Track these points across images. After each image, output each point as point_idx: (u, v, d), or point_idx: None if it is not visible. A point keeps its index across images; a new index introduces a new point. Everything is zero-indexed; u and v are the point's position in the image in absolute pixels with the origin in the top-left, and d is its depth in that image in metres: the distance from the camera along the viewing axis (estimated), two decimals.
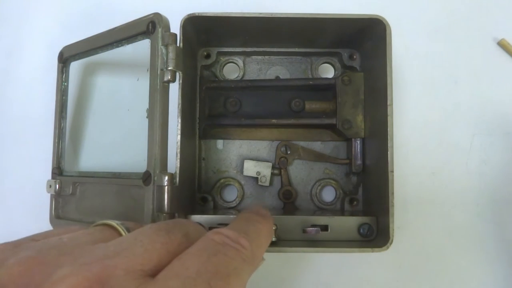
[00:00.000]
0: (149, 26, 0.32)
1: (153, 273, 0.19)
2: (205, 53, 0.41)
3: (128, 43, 0.35)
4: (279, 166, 0.41)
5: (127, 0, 0.47)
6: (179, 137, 0.32)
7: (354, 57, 0.41)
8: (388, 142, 0.33)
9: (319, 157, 0.41)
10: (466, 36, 0.45)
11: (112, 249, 0.19)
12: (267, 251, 0.30)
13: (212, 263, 0.19)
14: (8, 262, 0.18)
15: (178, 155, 0.32)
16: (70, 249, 0.19)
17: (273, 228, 0.32)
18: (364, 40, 0.38)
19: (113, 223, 0.23)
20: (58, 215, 0.39)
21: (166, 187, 0.30)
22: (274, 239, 0.32)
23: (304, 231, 0.34)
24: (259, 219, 0.26)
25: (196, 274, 0.18)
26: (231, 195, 0.42)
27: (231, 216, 0.35)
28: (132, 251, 0.19)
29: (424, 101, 0.44)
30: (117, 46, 0.36)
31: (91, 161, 0.39)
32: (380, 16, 0.34)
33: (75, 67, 0.41)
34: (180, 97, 0.32)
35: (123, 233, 0.23)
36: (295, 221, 0.34)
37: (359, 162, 0.39)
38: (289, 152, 0.41)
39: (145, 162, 0.31)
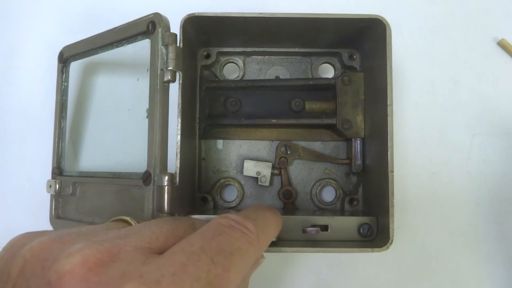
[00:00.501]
0: (149, 26, 0.32)
1: (160, 252, 0.20)
2: (205, 53, 0.41)
3: (128, 43, 0.35)
4: (279, 166, 0.41)
5: (127, 0, 0.47)
6: (179, 137, 0.32)
7: (354, 57, 0.41)
8: (388, 142, 0.33)
9: (319, 157, 0.41)
10: (466, 36, 0.45)
11: (123, 232, 0.21)
12: (268, 251, 0.31)
13: (216, 241, 0.20)
14: (32, 242, 0.20)
15: (178, 155, 0.32)
16: (87, 233, 0.22)
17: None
18: (364, 40, 0.38)
19: (127, 218, 0.25)
20: (58, 215, 0.39)
21: (166, 187, 0.30)
22: (274, 239, 0.32)
23: (304, 231, 0.34)
24: (267, 209, 0.27)
25: (200, 250, 0.20)
26: (231, 195, 0.42)
27: None
28: (141, 233, 0.21)
29: (424, 101, 0.44)
30: (117, 46, 0.36)
31: (91, 161, 0.39)
32: (380, 16, 0.34)
33: (75, 67, 0.41)
34: (180, 97, 0.32)
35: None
36: (295, 221, 0.34)
37: (359, 162, 0.39)
38: (289, 152, 0.41)
39: (145, 162, 0.31)
